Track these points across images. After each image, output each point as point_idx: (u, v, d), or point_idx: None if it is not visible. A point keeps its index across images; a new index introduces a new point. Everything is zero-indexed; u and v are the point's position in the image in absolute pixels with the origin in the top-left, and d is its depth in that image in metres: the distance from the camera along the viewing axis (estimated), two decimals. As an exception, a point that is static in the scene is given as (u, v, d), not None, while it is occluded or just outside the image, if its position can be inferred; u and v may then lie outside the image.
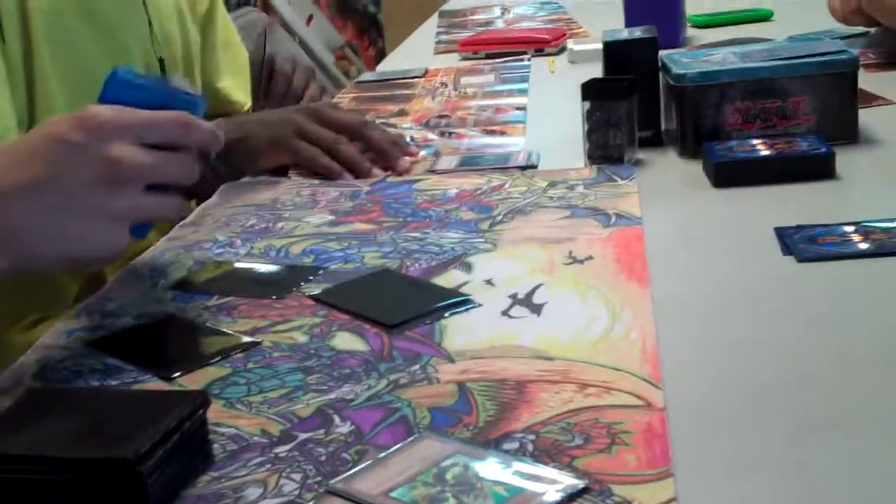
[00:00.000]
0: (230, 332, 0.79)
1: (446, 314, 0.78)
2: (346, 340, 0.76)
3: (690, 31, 1.86)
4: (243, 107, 1.40)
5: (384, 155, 1.21)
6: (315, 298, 0.83)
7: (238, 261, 0.95)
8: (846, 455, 0.56)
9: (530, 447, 0.59)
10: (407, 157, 1.22)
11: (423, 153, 1.28)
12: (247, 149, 1.19)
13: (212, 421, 0.63)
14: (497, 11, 2.57)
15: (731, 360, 0.68)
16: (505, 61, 1.85)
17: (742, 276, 0.82)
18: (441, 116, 1.47)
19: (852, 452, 0.56)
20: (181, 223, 1.08)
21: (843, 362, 0.67)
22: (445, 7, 2.92)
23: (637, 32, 1.22)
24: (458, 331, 0.75)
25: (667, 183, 1.07)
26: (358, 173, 1.19)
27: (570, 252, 0.88)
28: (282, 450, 0.61)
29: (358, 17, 3.37)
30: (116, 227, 0.73)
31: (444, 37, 2.27)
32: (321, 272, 0.89)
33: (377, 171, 1.19)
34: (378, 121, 1.48)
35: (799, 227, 0.87)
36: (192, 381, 0.71)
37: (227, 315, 0.83)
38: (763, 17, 1.96)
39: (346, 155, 1.20)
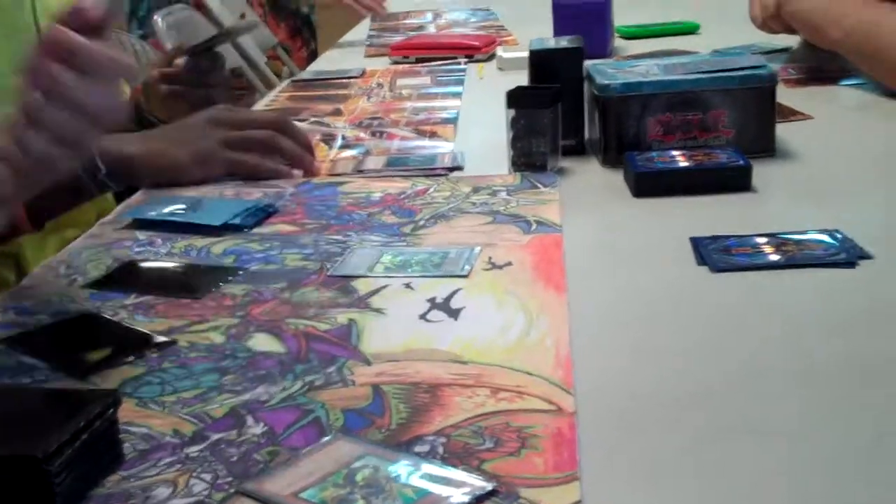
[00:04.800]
0: (146, 331, 0.78)
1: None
2: (263, 341, 0.76)
3: (618, 42, 1.89)
4: None
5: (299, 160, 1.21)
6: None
7: (157, 259, 0.94)
8: (747, 461, 0.57)
9: (441, 450, 0.59)
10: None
11: (353, 153, 1.28)
12: (162, 165, 1.16)
13: (124, 420, 0.63)
14: (430, 16, 2.58)
15: (642, 367, 0.70)
16: (441, 64, 1.86)
17: (657, 285, 0.83)
18: (374, 117, 1.47)
19: (753, 459, 0.58)
20: (101, 221, 1.07)
21: (748, 371, 0.68)
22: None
23: (563, 42, 1.24)
24: (374, 334, 0.76)
25: (588, 191, 1.09)
26: (302, 166, 1.19)
27: (490, 258, 0.89)
28: (193, 450, 0.61)
29: (291, 17, 3.36)
30: None
31: (375, 40, 2.28)
32: (241, 273, 0.89)
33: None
34: (312, 119, 1.48)
35: (714, 238, 0.89)
36: (105, 381, 0.71)
37: (144, 314, 0.82)
38: (689, 29, 2.00)
39: (289, 148, 1.20)
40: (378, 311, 0.80)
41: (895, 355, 0.69)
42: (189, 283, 0.88)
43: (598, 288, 0.84)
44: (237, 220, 1.01)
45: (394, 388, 0.67)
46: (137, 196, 1.15)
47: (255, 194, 1.12)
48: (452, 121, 1.43)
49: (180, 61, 1.39)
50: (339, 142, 1.34)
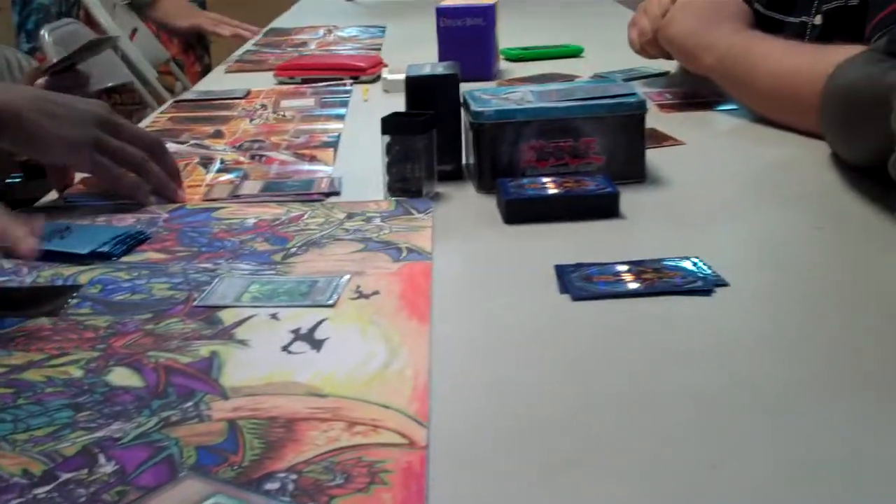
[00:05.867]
0: None
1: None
2: (122, 376, 0.75)
3: (504, 64, 1.91)
4: None
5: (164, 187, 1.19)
6: None
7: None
8: (598, 493, 0.59)
9: (291, 487, 0.60)
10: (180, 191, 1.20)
11: (230, 177, 1.28)
12: (23, 136, 1.12)
13: (-27, 460, 0.62)
14: (321, 33, 2.58)
15: (496, 398, 0.71)
16: (327, 86, 1.86)
17: (519, 314, 0.84)
18: (255, 140, 1.47)
19: (605, 491, 0.59)
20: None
21: (601, 402, 0.70)
22: (274, 25, 2.92)
23: (440, 68, 1.25)
24: (236, 367, 0.76)
25: (462, 217, 1.10)
26: (165, 195, 1.18)
27: (358, 286, 0.90)
28: (41, 491, 0.61)
29: (184, 32, 3.33)
30: None
31: (252, 56, 2.29)
32: (82, 287, 0.89)
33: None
34: (192, 140, 1.47)
35: (577, 266, 0.91)
36: (-44, 418, 0.70)
37: (3, 348, 0.81)
38: (573, 53, 2.03)
39: (155, 175, 1.18)
40: (242, 342, 0.80)
41: (738, 385, 0.71)
42: (40, 304, 0.87)
43: (462, 317, 0.85)
44: (105, 248, 1.00)
45: (250, 423, 0.67)
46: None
47: (128, 220, 1.11)
48: (333, 144, 1.43)
49: (41, 82, 1.36)
50: (216, 165, 1.33)
